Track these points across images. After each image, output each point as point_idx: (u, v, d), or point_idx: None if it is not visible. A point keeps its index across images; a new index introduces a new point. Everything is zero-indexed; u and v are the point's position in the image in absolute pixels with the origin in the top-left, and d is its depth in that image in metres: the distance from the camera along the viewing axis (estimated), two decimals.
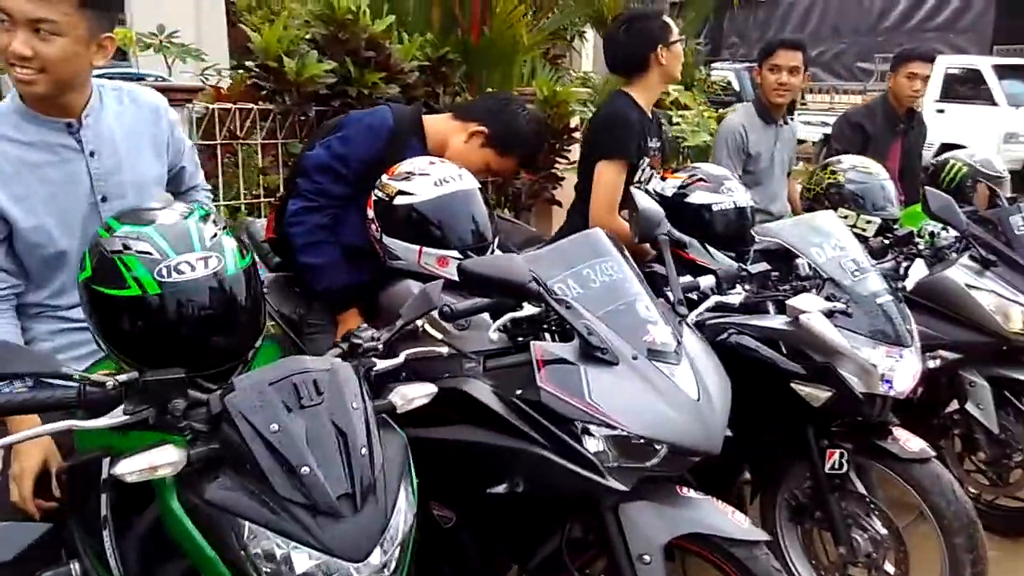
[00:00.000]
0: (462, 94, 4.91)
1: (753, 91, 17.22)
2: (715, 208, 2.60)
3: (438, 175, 2.24)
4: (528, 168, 3.79)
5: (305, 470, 1.21)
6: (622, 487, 1.72)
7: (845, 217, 3.38)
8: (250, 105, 3.90)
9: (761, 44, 4.00)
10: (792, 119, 3.98)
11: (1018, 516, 3.19)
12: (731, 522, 1.79)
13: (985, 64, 13.39)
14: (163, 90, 3.32)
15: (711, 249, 2.59)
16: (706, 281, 2.36)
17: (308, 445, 1.22)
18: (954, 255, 3.09)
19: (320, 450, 1.22)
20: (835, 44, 19.03)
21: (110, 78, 2.12)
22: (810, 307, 2.16)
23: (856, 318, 2.28)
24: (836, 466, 2.32)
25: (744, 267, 2.39)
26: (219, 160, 3.87)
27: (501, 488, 1.82)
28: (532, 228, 3.76)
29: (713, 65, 19.71)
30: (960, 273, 2.99)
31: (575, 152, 5.35)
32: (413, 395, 1.43)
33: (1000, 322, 2.92)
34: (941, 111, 13.81)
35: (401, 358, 1.57)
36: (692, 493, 1.86)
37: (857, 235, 3.29)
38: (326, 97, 4.13)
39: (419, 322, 1.70)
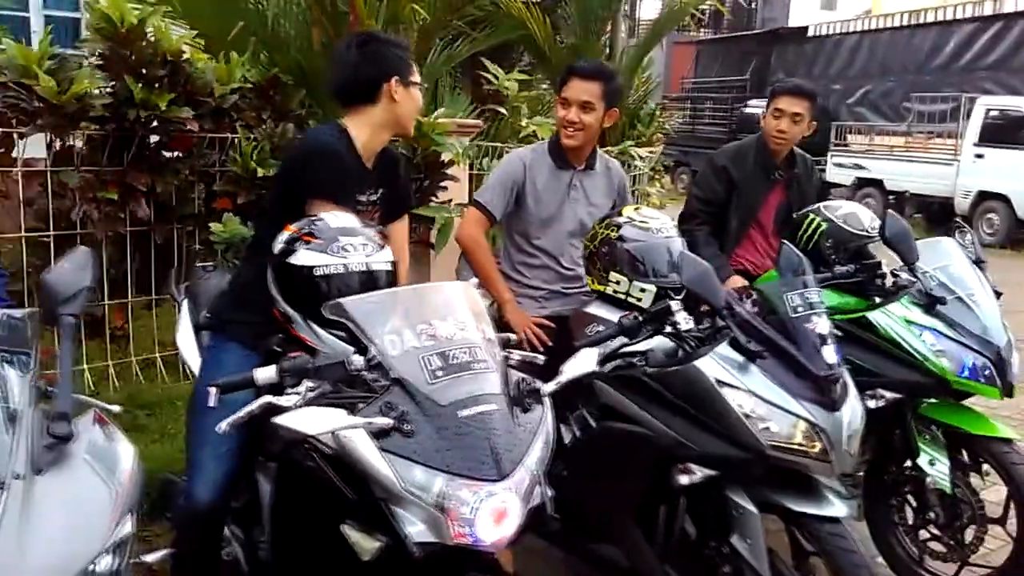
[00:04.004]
0: (306, 121, 4.40)
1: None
2: (317, 272, 1.98)
3: None
4: None
5: None
6: None
7: (617, 283, 2.73)
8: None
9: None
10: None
11: None
12: None
13: None
14: None
15: (316, 328, 1.97)
16: (264, 373, 1.75)
17: None
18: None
19: None
20: (882, 82, 17.97)
21: None
22: (308, 426, 1.53)
23: (422, 438, 1.63)
24: None
25: (312, 360, 1.77)
26: None
27: None
28: None
29: (749, 103, 18.98)
30: (712, 365, 2.29)
31: (452, 190, 4.80)
32: None
33: (754, 432, 2.22)
34: (980, 156, 12.75)
35: None
36: None
37: (631, 305, 2.70)
38: (101, 119, 3.68)
39: None
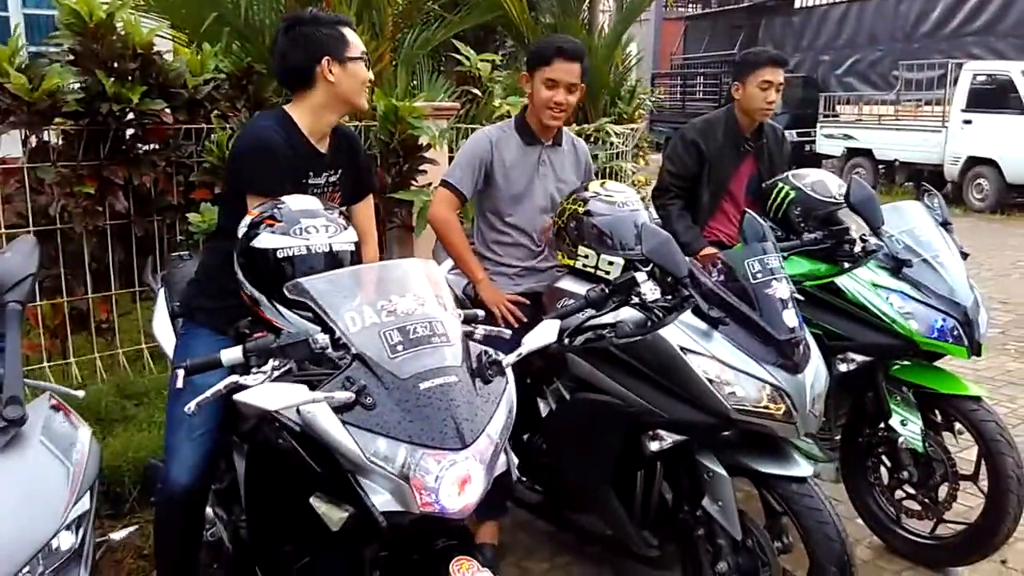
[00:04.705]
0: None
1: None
2: (280, 255, 2.01)
3: None
4: None
5: None
6: None
7: (586, 256, 2.77)
8: None
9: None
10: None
11: None
12: None
13: (1016, 69, 12.25)
14: None
15: (282, 308, 2.01)
16: (230, 354, 1.79)
17: None
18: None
19: None
20: (871, 52, 17.93)
21: None
22: (268, 401, 1.56)
23: (383, 411, 1.66)
24: None
25: (276, 339, 1.80)
26: None
27: None
28: None
29: None
30: (677, 333, 2.33)
31: (431, 174, 4.81)
32: None
33: (719, 397, 2.26)
34: (968, 122, 12.73)
35: None
36: None
37: (600, 279, 2.74)
38: (75, 115, 3.70)
39: None
